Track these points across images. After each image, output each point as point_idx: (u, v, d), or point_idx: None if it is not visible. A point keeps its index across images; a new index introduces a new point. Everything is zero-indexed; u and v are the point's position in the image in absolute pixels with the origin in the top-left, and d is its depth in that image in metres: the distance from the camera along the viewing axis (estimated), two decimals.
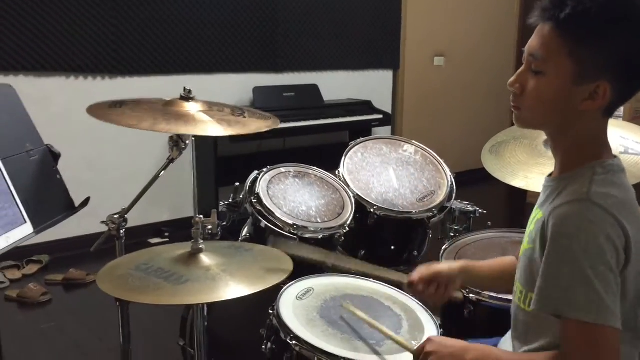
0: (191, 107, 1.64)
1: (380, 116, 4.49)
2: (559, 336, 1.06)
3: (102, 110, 1.53)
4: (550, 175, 1.21)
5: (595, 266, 0.98)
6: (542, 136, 2.09)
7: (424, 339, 1.43)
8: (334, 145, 4.30)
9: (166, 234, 3.86)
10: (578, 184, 1.06)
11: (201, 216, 1.35)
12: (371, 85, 4.91)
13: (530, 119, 1.15)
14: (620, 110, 4.15)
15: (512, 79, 1.13)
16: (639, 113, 4.24)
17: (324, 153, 3.90)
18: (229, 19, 4.04)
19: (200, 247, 1.33)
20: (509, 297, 1.61)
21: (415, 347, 1.25)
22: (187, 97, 1.65)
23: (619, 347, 0.99)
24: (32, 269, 3.37)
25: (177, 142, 1.66)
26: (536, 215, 1.17)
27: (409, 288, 1.46)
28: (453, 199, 2.10)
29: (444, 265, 1.46)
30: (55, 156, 1.51)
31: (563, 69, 1.06)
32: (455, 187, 2.13)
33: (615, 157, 1.13)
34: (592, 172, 1.08)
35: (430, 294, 1.43)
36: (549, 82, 1.08)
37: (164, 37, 3.80)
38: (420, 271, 1.44)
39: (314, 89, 4.40)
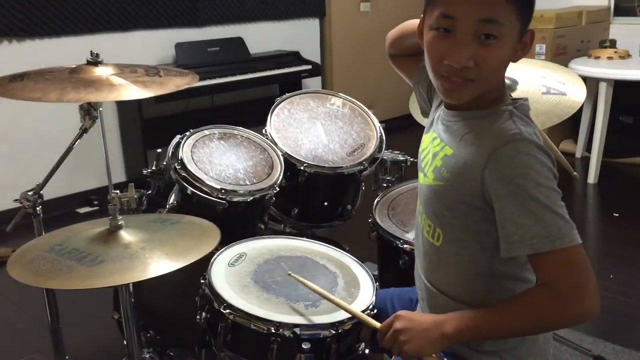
0: (101, 72, 1.54)
1: (310, 67, 4.41)
2: (494, 270, 1.11)
3: (3, 87, 1.41)
4: (448, 108, 1.20)
5: (550, 195, 1.02)
6: None
7: (360, 294, 1.44)
8: (264, 99, 4.21)
9: (95, 202, 3.72)
10: (501, 124, 1.08)
11: (117, 191, 1.27)
12: (299, 35, 4.80)
13: (483, 88, 1.10)
14: (542, 48, 4.22)
15: (461, 57, 1.04)
16: (560, 49, 4.33)
17: (255, 108, 3.82)
18: None
19: (119, 223, 1.26)
20: None
21: (380, 324, 1.18)
22: (95, 61, 1.55)
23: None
24: None
25: (88, 111, 1.56)
26: (441, 151, 1.17)
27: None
28: (383, 149, 2.09)
29: None
30: None
31: (514, 30, 1.06)
32: (384, 138, 2.11)
33: (521, 99, 1.15)
34: (510, 113, 1.09)
35: None
36: (504, 47, 1.06)
37: None
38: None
39: (239, 42, 4.26)
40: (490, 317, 1.09)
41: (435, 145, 1.20)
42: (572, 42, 4.44)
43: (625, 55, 4.20)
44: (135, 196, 1.33)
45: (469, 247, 1.14)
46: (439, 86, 1.12)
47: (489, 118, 1.10)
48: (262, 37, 4.55)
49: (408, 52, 1.43)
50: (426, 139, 1.26)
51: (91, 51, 1.56)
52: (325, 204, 2.03)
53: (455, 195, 1.12)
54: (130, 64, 1.67)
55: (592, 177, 3.95)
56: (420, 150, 1.28)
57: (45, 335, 1.88)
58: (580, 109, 4.48)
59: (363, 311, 1.33)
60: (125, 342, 1.80)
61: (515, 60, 1.11)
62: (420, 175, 1.25)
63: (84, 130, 1.60)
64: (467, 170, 1.09)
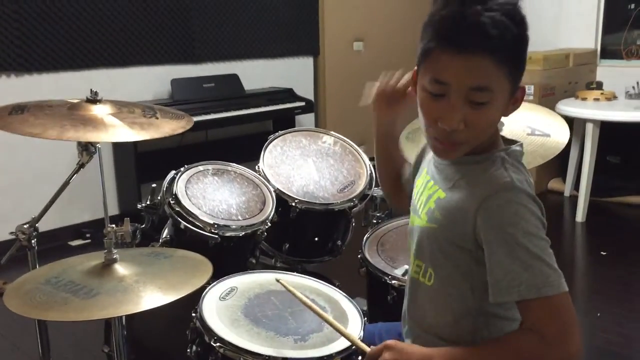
0: (99, 110, 1.59)
1: (303, 103, 4.49)
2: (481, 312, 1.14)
3: (3, 119, 1.46)
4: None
5: (539, 244, 1.05)
6: None
7: (348, 328, 1.46)
8: (258, 135, 4.27)
9: (87, 235, 3.74)
10: (494, 171, 1.11)
11: (113, 225, 1.31)
12: (292, 73, 4.89)
13: (474, 145, 1.13)
14: (531, 89, 4.33)
15: (452, 121, 1.07)
16: (548, 91, 4.44)
17: (249, 143, 3.87)
18: (140, 9, 3.91)
19: (114, 257, 1.29)
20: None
21: (370, 349, 1.19)
22: (93, 99, 1.60)
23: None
24: None
25: (86, 147, 1.60)
26: (435, 193, 1.20)
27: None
28: (373, 186, 2.14)
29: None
30: None
31: (505, 92, 1.10)
32: (374, 175, 2.16)
33: (514, 142, 1.20)
34: (502, 159, 1.13)
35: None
36: (495, 109, 1.10)
37: (74, 31, 3.64)
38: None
39: (234, 79, 4.34)
40: (476, 356, 1.10)
41: (429, 187, 1.23)
42: (560, 83, 4.55)
43: (612, 97, 4.30)
44: (130, 230, 1.36)
45: (459, 287, 1.17)
46: (432, 145, 1.17)
47: (482, 164, 1.13)
48: (257, 74, 4.64)
49: (392, 178, 1.51)
50: (419, 182, 1.29)
51: (90, 89, 1.61)
52: (316, 239, 2.06)
53: (448, 237, 1.15)
54: (128, 102, 1.72)
55: (580, 216, 4.01)
56: (414, 193, 1.31)
57: None
58: (568, 149, 4.57)
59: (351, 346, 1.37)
60: None
61: (506, 115, 1.15)
62: (414, 217, 1.28)
63: (81, 165, 1.64)
64: (460, 214, 1.12)
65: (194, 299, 1.46)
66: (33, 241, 1.67)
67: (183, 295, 1.20)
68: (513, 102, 1.14)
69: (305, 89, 4.89)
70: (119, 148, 3.93)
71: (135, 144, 3.73)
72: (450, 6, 1.07)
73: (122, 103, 1.69)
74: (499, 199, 1.07)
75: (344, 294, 1.62)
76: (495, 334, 1.17)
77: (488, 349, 1.12)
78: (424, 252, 1.23)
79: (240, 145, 4.30)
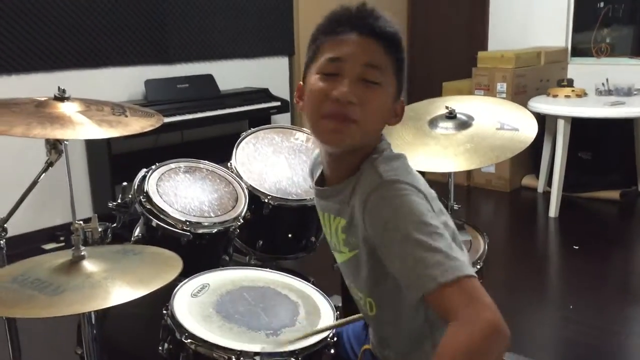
0: (67, 108, 1.57)
1: (278, 103, 4.50)
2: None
3: None
4: (322, 184, 1.26)
5: (427, 230, 1.00)
6: (427, 116, 2.17)
7: (321, 323, 1.47)
8: (233, 135, 4.25)
9: (61, 238, 3.70)
10: (365, 176, 1.12)
11: (81, 222, 1.30)
12: (268, 73, 4.89)
13: (366, 134, 1.12)
14: (503, 87, 4.38)
15: (346, 89, 1.08)
16: (520, 88, 4.50)
17: (224, 144, 3.85)
18: (112, 9, 3.88)
19: (82, 254, 1.28)
20: None
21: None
22: (61, 97, 1.58)
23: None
24: None
25: (54, 145, 1.59)
26: (339, 224, 1.20)
27: None
28: None
29: None
30: None
31: (392, 87, 1.14)
32: None
33: (380, 140, 1.19)
34: (370, 162, 1.13)
35: None
36: (385, 95, 1.13)
37: (45, 32, 3.61)
38: None
39: (209, 79, 4.33)
40: None
41: (332, 220, 1.23)
42: (532, 81, 4.62)
43: (582, 94, 4.37)
44: (100, 229, 1.36)
45: (402, 302, 1.16)
46: (321, 130, 1.14)
47: (362, 175, 1.13)
48: (232, 74, 4.63)
49: None
50: (325, 224, 1.29)
51: (58, 87, 1.59)
52: (290, 235, 2.06)
53: (369, 253, 1.14)
54: (97, 101, 1.71)
55: (552, 211, 4.06)
56: (327, 237, 1.31)
57: None
58: (541, 146, 4.63)
59: (324, 338, 1.38)
60: None
61: (390, 123, 1.17)
62: (338, 256, 1.28)
63: (49, 164, 1.62)
64: (359, 230, 1.12)
65: (166, 298, 1.45)
66: (1, 242, 1.65)
67: (153, 289, 1.20)
68: (395, 114, 1.17)
69: (281, 89, 4.90)
70: (92, 150, 3.89)
71: (109, 145, 3.70)
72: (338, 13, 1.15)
73: (90, 101, 1.67)
74: (373, 200, 1.06)
75: (318, 290, 1.63)
76: None
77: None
78: (360, 283, 1.22)
79: (216, 146, 4.28)
